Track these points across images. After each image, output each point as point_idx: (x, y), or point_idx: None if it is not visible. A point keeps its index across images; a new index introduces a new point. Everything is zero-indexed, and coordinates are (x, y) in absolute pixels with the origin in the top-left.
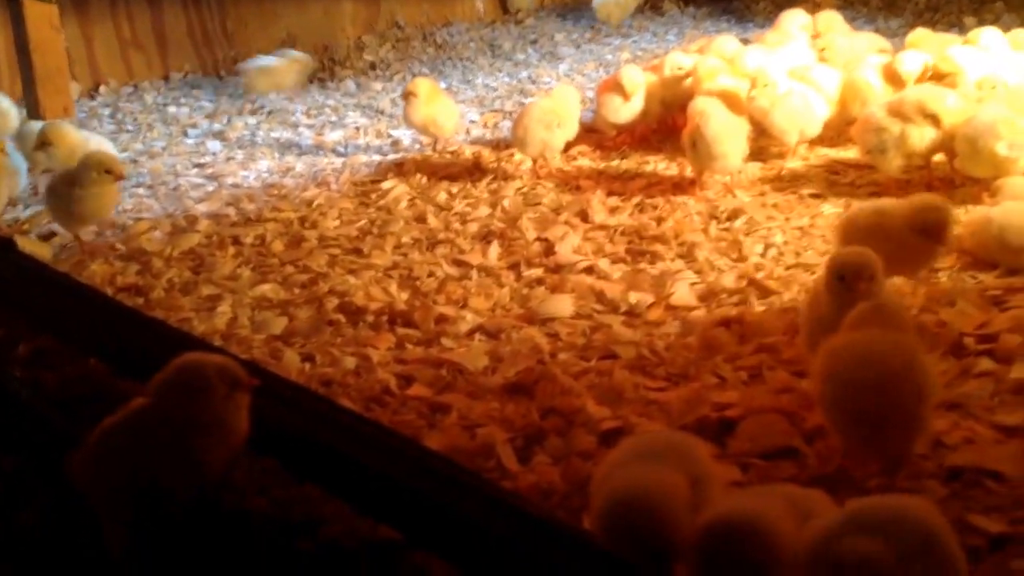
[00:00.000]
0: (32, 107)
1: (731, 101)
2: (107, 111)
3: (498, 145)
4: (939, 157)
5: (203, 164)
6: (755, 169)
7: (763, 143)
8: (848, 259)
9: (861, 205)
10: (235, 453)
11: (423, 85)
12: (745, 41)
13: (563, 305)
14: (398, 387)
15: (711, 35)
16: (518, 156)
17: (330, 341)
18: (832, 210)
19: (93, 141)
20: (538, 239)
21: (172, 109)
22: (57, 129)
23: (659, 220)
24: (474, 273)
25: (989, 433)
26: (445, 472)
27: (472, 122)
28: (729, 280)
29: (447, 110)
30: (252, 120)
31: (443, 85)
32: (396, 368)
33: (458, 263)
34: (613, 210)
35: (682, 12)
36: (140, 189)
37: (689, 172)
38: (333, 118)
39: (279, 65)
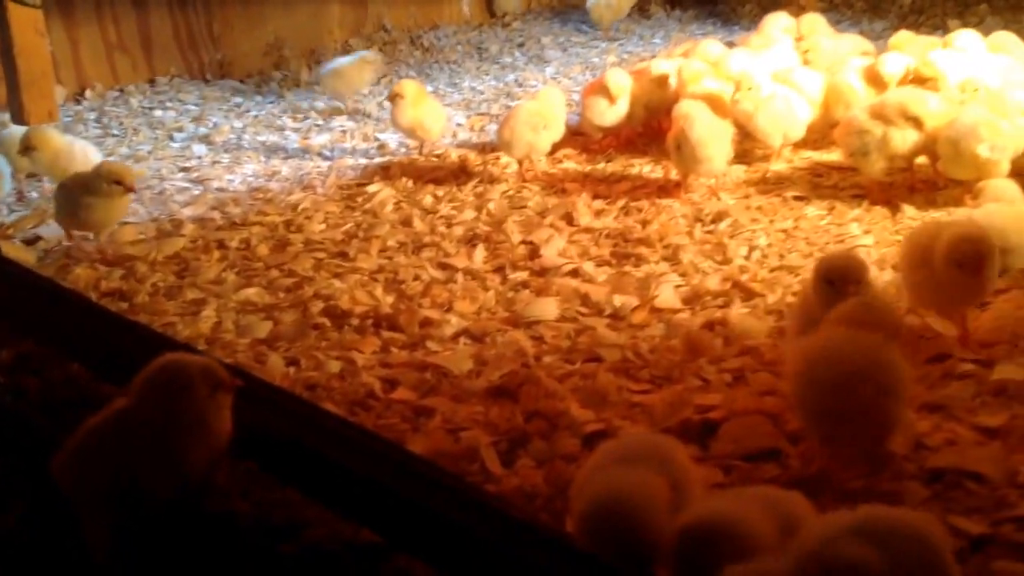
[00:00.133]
0: (16, 111)
1: (715, 104)
2: (93, 115)
3: (484, 148)
4: (922, 159)
5: (189, 168)
6: (739, 172)
7: (747, 146)
8: (836, 263)
9: (925, 224)
10: (217, 454)
11: (410, 87)
12: (730, 44)
13: (548, 308)
14: (382, 391)
15: (697, 38)
16: (504, 159)
17: (315, 345)
18: (815, 212)
19: (78, 146)
20: (523, 242)
21: (158, 113)
22: (41, 134)
23: (644, 223)
24: (459, 276)
25: (971, 435)
26: (428, 476)
27: (459, 125)
28: (713, 282)
29: (434, 113)
30: (238, 124)
31: (430, 88)
32: (381, 372)
33: (443, 266)
34: (598, 213)
35: (668, 15)
36: None
37: (674, 175)
38: (319, 121)
39: (348, 66)
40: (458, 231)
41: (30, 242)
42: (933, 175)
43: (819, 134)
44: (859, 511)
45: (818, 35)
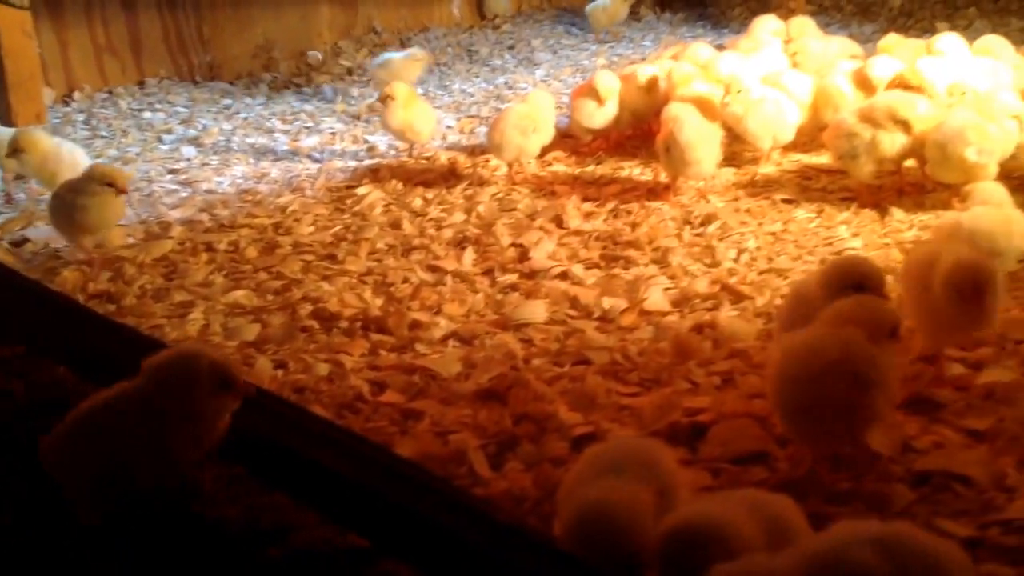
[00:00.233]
0: (4, 113)
1: (705, 107)
2: (81, 117)
3: (474, 151)
4: (910, 163)
5: (177, 170)
6: (729, 174)
7: (737, 148)
8: (860, 268)
9: (925, 245)
10: (204, 451)
11: (401, 89)
12: (720, 47)
13: (537, 311)
14: (371, 394)
15: (687, 41)
16: (493, 162)
17: (303, 348)
18: (804, 215)
19: (66, 148)
20: (513, 245)
21: (147, 115)
22: (29, 136)
23: (633, 225)
24: (448, 279)
25: (958, 437)
26: (415, 479)
27: (448, 128)
28: (702, 285)
29: (424, 115)
30: (227, 126)
31: (420, 91)
32: (369, 375)
33: (433, 269)
34: (588, 215)
35: (658, 18)
36: None
37: (663, 178)
38: (309, 124)
39: (399, 60)
40: (447, 233)
41: (18, 244)
42: (921, 178)
43: (808, 137)
44: (887, 526)
45: (807, 38)
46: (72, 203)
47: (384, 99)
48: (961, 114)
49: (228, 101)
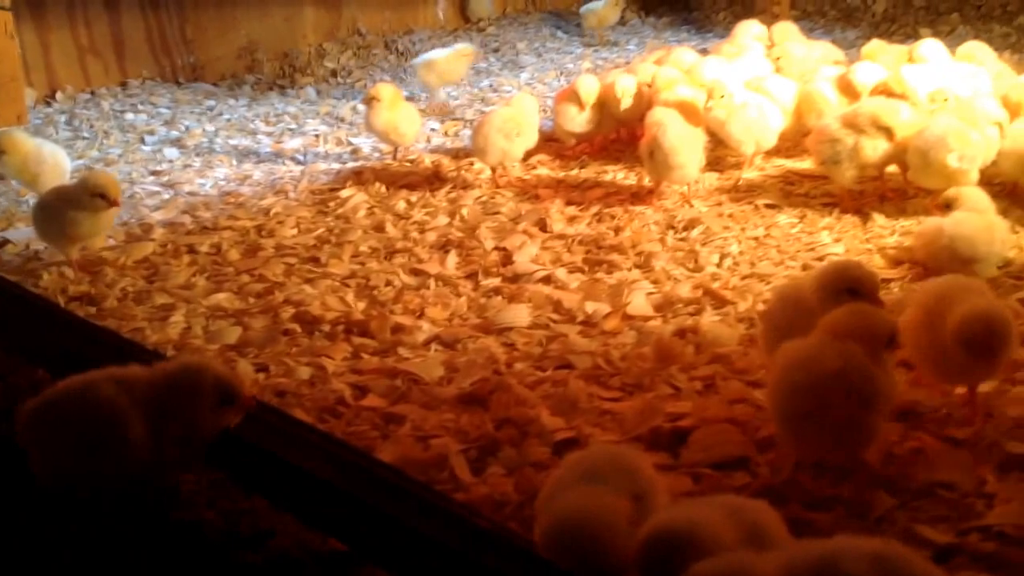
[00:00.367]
0: None
1: (688, 112)
2: (63, 118)
3: (458, 154)
4: (892, 168)
5: (160, 172)
6: (712, 179)
7: (720, 153)
8: (856, 272)
9: (933, 285)
10: (192, 458)
11: (385, 91)
12: (704, 51)
13: (520, 315)
14: (352, 398)
15: (672, 45)
16: (478, 165)
17: (285, 351)
18: (787, 220)
19: (47, 149)
20: (496, 248)
21: (129, 116)
22: (10, 137)
23: (617, 230)
24: (432, 282)
25: (939, 444)
26: (394, 484)
27: (433, 130)
28: (685, 290)
29: (409, 117)
30: (210, 127)
31: (404, 93)
32: (351, 378)
33: (416, 272)
34: (571, 219)
35: (643, 22)
36: None
37: (647, 182)
38: (292, 125)
39: (442, 59)
40: (431, 237)
41: None
42: (903, 184)
43: (791, 142)
44: (886, 546)
45: (789, 43)
46: (62, 213)
47: (368, 100)
48: (943, 120)
49: (211, 102)
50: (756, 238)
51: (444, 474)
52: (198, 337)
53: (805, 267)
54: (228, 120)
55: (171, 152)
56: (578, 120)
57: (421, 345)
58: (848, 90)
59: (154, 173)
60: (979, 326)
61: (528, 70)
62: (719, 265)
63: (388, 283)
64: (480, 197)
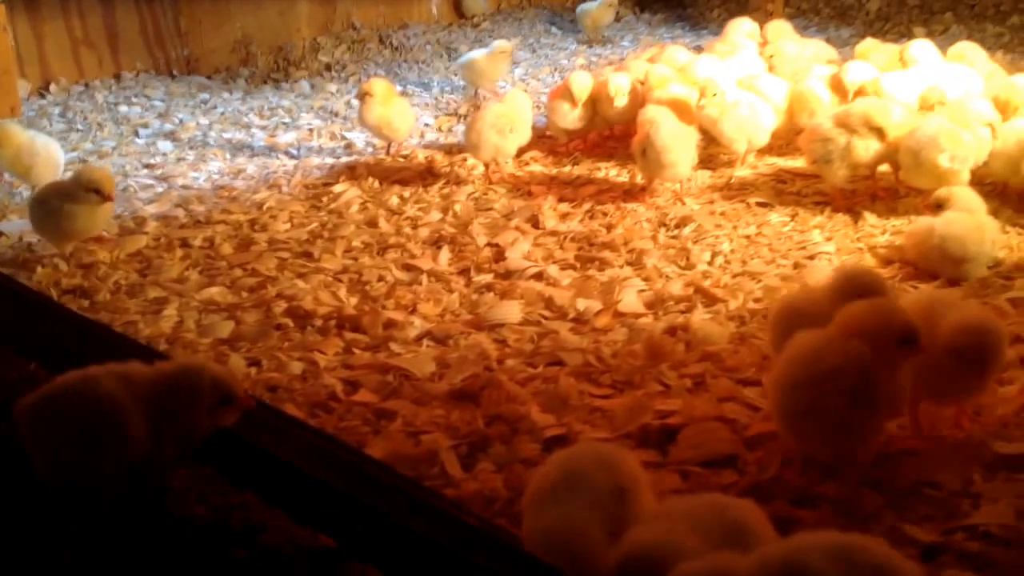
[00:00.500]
0: None
1: (681, 110)
2: (57, 110)
3: (451, 149)
4: (884, 168)
5: (153, 165)
6: (704, 177)
7: (713, 151)
8: (865, 279)
9: (921, 296)
10: (184, 453)
11: (379, 85)
12: (698, 48)
13: (512, 311)
14: (344, 393)
15: (666, 41)
16: (471, 161)
17: (277, 346)
18: (779, 219)
19: (40, 142)
20: (488, 244)
21: (123, 108)
22: (3, 129)
23: (609, 227)
24: (424, 278)
25: (926, 444)
26: (383, 481)
27: (426, 125)
28: (676, 287)
29: (402, 112)
30: (204, 120)
31: (399, 88)
32: (343, 373)
33: (408, 268)
34: (564, 216)
35: (638, 18)
36: None
37: (639, 179)
38: (286, 119)
39: (481, 58)
40: (424, 232)
41: None
42: (895, 183)
43: (784, 141)
44: (848, 537)
45: (783, 41)
46: (59, 209)
47: (361, 95)
48: (935, 121)
49: (205, 95)
50: (748, 236)
51: (435, 470)
52: (190, 331)
53: (796, 265)
54: (222, 113)
55: (165, 145)
56: (571, 117)
57: (413, 341)
58: (840, 89)
59: (148, 166)
60: (973, 337)
61: (522, 66)
62: (710, 263)
63: (380, 278)
64: (473, 193)
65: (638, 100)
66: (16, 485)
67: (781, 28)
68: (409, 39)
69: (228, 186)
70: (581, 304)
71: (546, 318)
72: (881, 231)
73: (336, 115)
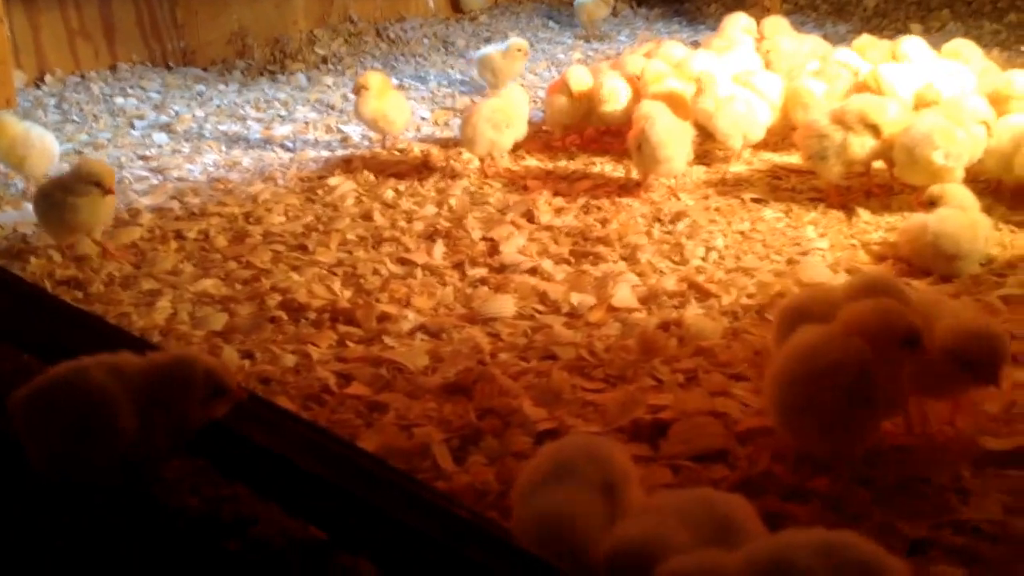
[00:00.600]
0: None
1: (677, 105)
2: (53, 101)
3: (447, 143)
4: (879, 164)
5: (148, 156)
6: (700, 173)
7: (708, 147)
8: (885, 283)
9: (921, 297)
10: (177, 444)
11: (375, 79)
12: (695, 44)
13: (505, 305)
14: (337, 386)
15: (663, 37)
16: (466, 155)
17: (271, 338)
18: (773, 215)
19: (35, 133)
20: (483, 239)
21: (119, 100)
22: None
23: (604, 222)
24: (418, 272)
25: (913, 438)
26: (375, 473)
27: (423, 119)
28: (670, 283)
29: (398, 105)
30: (200, 112)
31: (395, 81)
32: (336, 366)
33: (403, 261)
34: (559, 211)
35: (635, 13)
36: None
37: (635, 174)
38: (282, 112)
39: (496, 55)
40: (418, 226)
41: None
42: (890, 180)
43: (779, 137)
44: (835, 534)
45: (779, 36)
46: (62, 202)
47: (357, 89)
48: (929, 118)
49: (201, 87)
50: (742, 232)
51: (427, 463)
52: (184, 323)
53: (790, 261)
54: (218, 106)
55: (160, 137)
56: (568, 111)
57: (406, 334)
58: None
59: (143, 158)
60: (979, 343)
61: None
62: (704, 258)
63: (375, 272)
64: (468, 187)
65: (630, 104)
66: (11, 476)
67: (778, 24)
68: (406, 32)
69: (223, 178)
70: (575, 298)
71: (540, 312)
72: (875, 228)
73: (332, 108)
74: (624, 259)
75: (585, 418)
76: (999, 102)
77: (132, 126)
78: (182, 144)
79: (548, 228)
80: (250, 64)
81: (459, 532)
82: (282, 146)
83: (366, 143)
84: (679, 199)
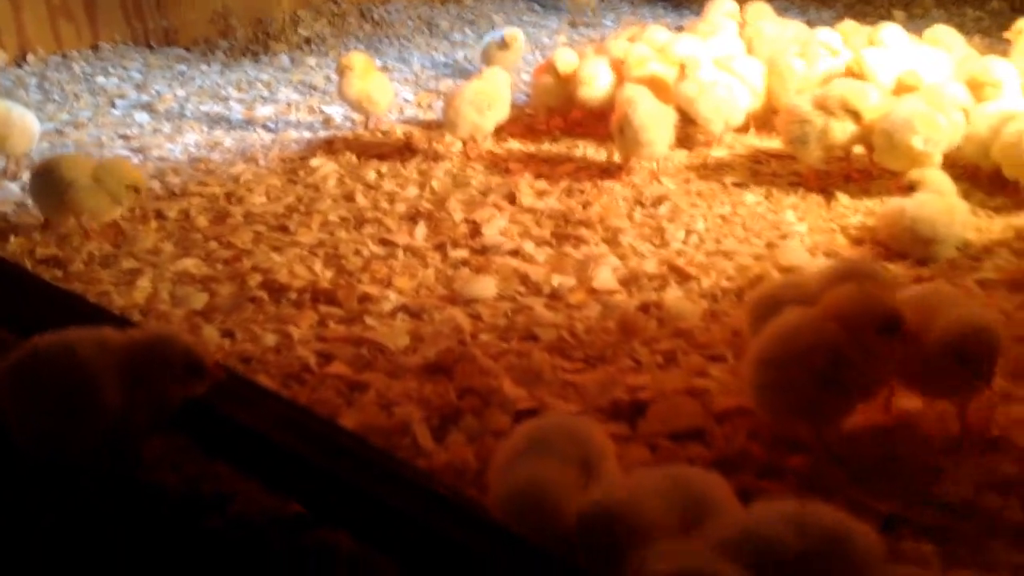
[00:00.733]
0: None
1: (659, 89)
2: (34, 80)
3: (430, 125)
4: (859, 149)
5: (129, 136)
6: (682, 157)
7: (691, 131)
8: (865, 269)
9: (916, 292)
10: (155, 423)
11: (358, 60)
12: (680, 28)
13: (487, 287)
14: (317, 365)
15: (647, 21)
16: (449, 137)
17: (251, 318)
18: (753, 199)
19: (16, 111)
20: (465, 220)
21: (100, 79)
22: None
23: (586, 204)
24: (400, 253)
25: (888, 418)
26: (354, 450)
27: (406, 101)
28: (651, 265)
29: (381, 86)
30: (181, 92)
31: (379, 63)
32: (317, 346)
33: (384, 242)
34: (541, 193)
35: None
36: None
37: (617, 158)
38: (265, 93)
39: (495, 49)
40: (400, 208)
41: None
42: (869, 165)
43: (760, 121)
44: (805, 506)
45: (762, 22)
46: (85, 186)
47: (341, 69)
48: (909, 103)
49: (183, 67)
50: (722, 216)
51: (406, 441)
52: (164, 302)
53: (769, 245)
54: (200, 86)
55: (141, 117)
56: (554, 93)
57: (387, 314)
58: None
59: (124, 137)
60: (974, 338)
61: None
62: (685, 241)
63: (356, 252)
64: (451, 169)
65: (618, 82)
66: None
67: (761, 9)
68: (390, 14)
69: (204, 159)
70: (556, 280)
71: (521, 294)
72: (854, 212)
73: (315, 89)
74: (605, 242)
75: (565, 398)
76: (976, 88)
77: (113, 105)
78: (163, 124)
79: (530, 210)
80: (233, 44)
81: (438, 509)
82: (264, 127)
83: (348, 124)
84: (661, 183)
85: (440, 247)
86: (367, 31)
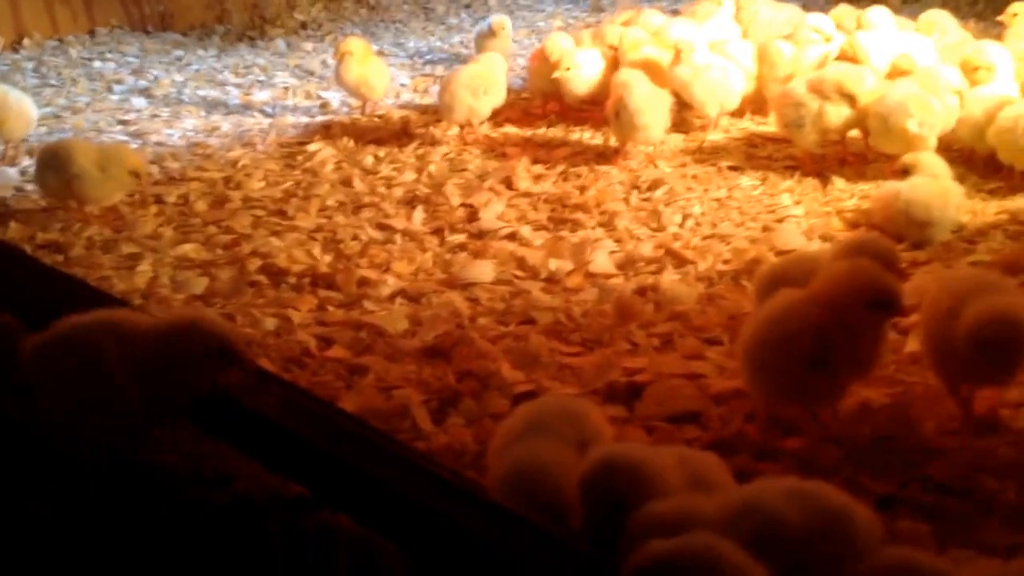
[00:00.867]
0: None
1: (654, 73)
2: (31, 65)
3: (427, 110)
4: (854, 133)
5: (127, 121)
6: (677, 141)
7: (686, 115)
8: (876, 245)
9: (950, 279)
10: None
11: (356, 44)
12: (675, 12)
13: (484, 271)
14: (317, 349)
15: (643, 5)
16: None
17: (251, 302)
18: (749, 183)
19: (13, 96)
20: (462, 205)
21: (97, 64)
22: None
23: (582, 189)
24: (398, 237)
25: (884, 399)
26: (354, 432)
27: (403, 86)
28: (647, 249)
29: (379, 71)
30: (179, 77)
31: (375, 47)
32: (316, 330)
33: (382, 227)
34: (537, 178)
35: None
36: None
37: (613, 142)
38: (262, 78)
39: (487, 36)
40: (398, 192)
41: None
42: (864, 148)
43: (755, 105)
44: (805, 483)
45: (756, 5)
46: (89, 174)
47: (340, 55)
48: (904, 87)
49: (180, 52)
50: (718, 199)
51: (406, 424)
52: (165, 287)
53: (765, 228)
54: (197, 71)
55: (139, 102)
56: (550, 79)
57: (386, 298)
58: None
59: (122, 122)
60: (1000, 327)
61: None
62: (681, 225)
63: (355, 237)
64: (448, 154)
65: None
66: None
67: None
68: None
69: (202, 143)
70: (553, 264)
71: (518, 278)
72: (849, 195)
73: (312, 74)
74: (602, 226)
75: (562, 381)
76: (969, 72)
77: (111, 90)
78: (161, 109)
79: (527, 195)
80: (229, 29)
81: (438, 491)
82: (261, 111)
83: (345, 109)
84: (657, 167)
85: (438, 231)
86: (363, 16)
